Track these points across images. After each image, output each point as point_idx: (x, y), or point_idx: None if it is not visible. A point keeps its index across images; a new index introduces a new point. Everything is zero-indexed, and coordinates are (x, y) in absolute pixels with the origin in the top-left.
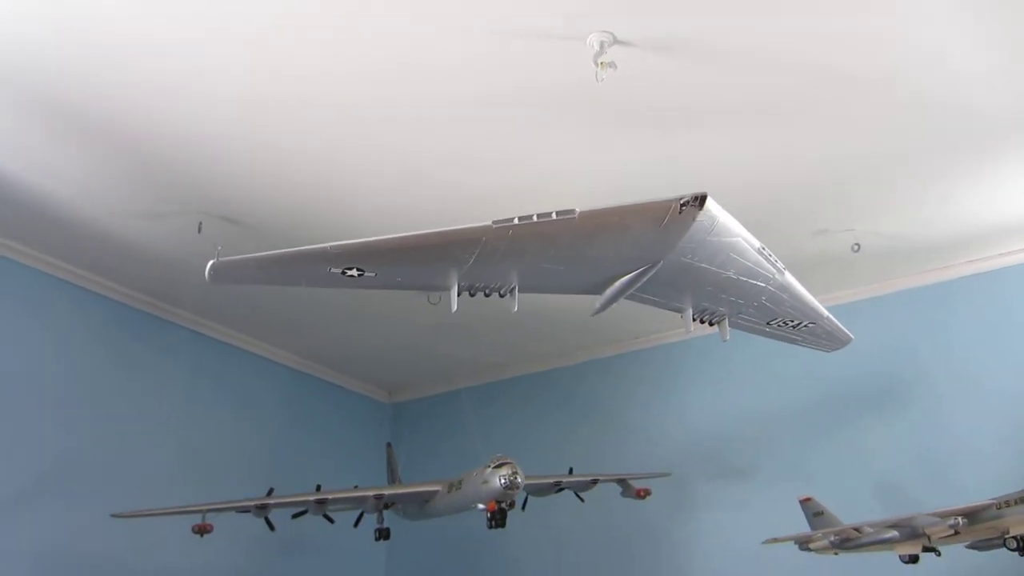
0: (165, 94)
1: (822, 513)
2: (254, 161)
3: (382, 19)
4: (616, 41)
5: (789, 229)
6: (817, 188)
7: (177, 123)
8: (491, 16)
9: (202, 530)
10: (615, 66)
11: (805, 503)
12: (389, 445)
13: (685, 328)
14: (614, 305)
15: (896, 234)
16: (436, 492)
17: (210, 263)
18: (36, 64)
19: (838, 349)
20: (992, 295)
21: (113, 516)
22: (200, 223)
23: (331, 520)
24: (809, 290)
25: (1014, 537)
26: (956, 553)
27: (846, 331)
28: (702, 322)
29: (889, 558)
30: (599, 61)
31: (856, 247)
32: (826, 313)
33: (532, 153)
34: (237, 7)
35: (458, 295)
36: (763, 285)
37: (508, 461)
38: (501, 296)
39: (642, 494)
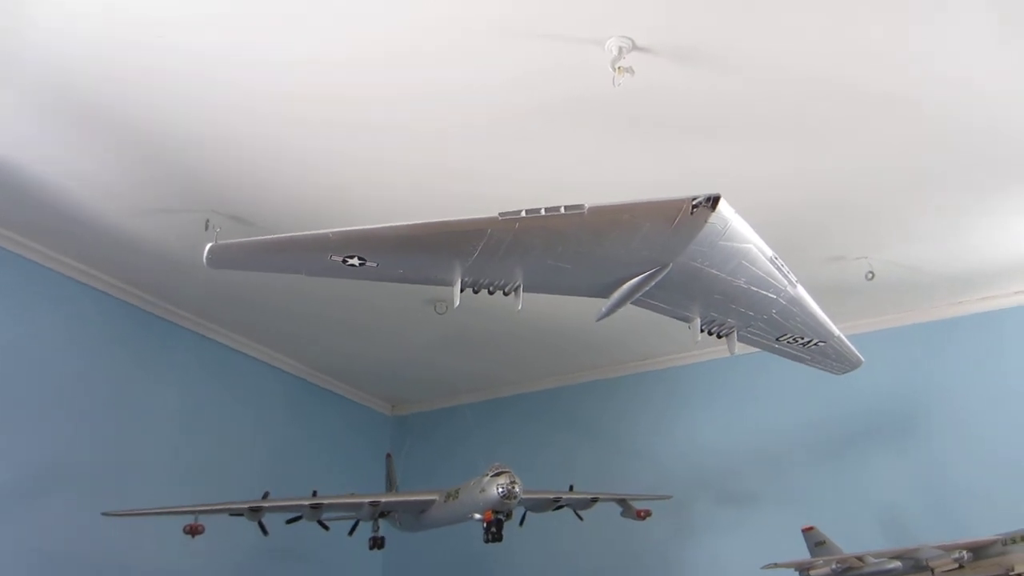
0: (180, 99)
1: (824, 543)
2: (264, 165)
3: (396, 39)
4: (635, 47)
5: (803, 252)
6: (834, 211)
7: (190, 126)
8: (509, 22)
9: (193, 531)
10: (632, 71)
11: (807, 532)
12: (389, 456)
13: (692, 338)
14: (622, 323)
15: (911, 265)
16: (433, 501)
17: (208, 246)
18: (50, 63)
19: (848, 372)
20: (1003, 334)
21: (104, 515)
22: (207, 220)
23: (326, 527)
24: None
25: (1019, 575)
26: None
27: (857, 353)
28: (710, 333)
29: None
30: (616, 66)
31: (870, 275)
32: (837, 332)
33: (545, 164)
34: (257, 29)
35: (461, 291)
36: (774, 297)
37: (506, 470)
38: (505, 294)
39: (642, 515)
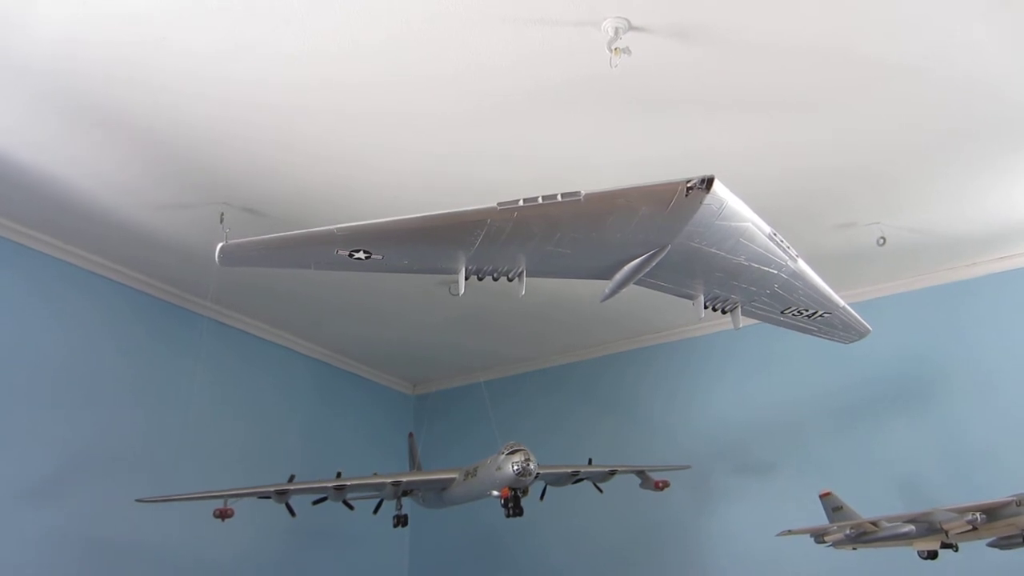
0: (187, 97)
1: (841, 508)
2: (272, 157)
3: (395, 26)
4: (631, 27)
5: (812, 221)
6: (842, 180)
7: (199, 122)
8: (507, 7)
9: (223, 515)
10: (629, 52)
11: (825, 497)
12: (411, 435)
13: (696, 315)
14: (635, 297)
15: (923, 228)
16: (453, 479)
17: (219, 245)
18: (67, 62)
19: (856, 340)
20: (1020, 294)
21: (137, 501)
22: (222, 214)
23: (351, 507)
24: (832, 284)
25: None
26: (978, 552)
27: (864, 322)
28: (714, 310)
29: (909, 555)
30: (613, 47)
31: (882, 241)
32: (842, 303)
33: (546, 145)
34: (264, 24)
35: (466, 279)
36: (775, 272)
37: (521, 448)
38: (509, 280)
39: (661, 486)
